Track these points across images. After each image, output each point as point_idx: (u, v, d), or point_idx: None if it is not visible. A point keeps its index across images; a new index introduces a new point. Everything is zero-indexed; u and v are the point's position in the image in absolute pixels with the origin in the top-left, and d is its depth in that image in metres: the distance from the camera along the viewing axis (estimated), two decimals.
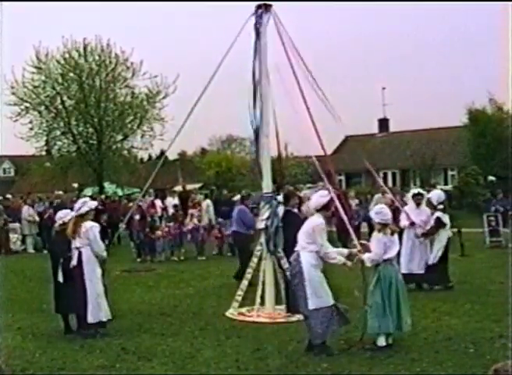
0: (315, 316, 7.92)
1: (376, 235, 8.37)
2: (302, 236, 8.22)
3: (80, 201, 9.79)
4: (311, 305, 7.93)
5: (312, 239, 8.10)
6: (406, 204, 13.70)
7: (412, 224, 12.50)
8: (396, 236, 8.49)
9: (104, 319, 9.27)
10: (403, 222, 12.60)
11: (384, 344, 8.08)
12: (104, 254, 9.49)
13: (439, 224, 12.40)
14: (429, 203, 12.64)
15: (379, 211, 8.46)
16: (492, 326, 9.04)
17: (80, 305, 9.07)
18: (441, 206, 12.57)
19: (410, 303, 10.75)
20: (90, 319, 9.10)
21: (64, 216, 9.72)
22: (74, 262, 9.19)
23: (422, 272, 12.37)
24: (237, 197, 23.56)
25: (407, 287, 12.01)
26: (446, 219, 12.55)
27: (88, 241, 9.23)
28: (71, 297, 9.19)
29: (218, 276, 14.78)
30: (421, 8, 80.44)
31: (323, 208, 8.32)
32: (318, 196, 8.46)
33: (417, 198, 12.93)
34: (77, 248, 9.22)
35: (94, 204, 9.80)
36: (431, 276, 12.29)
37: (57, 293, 9.56)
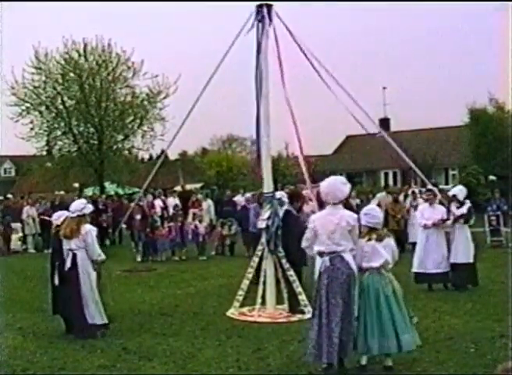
0: None
1: (359, 240, 7.33)
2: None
3: (79, 202, 9.74)
4: None
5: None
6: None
7: (434, 224, 12.29)
8: (386, 241, 7.35)
9: (99, 323, 9.21)
10: (420, 221, 12.55)
11: (364, 362, 7.21)
12: (100, 258, 9.36)
13: (470, 213, 12.26)
14: (456, 200, 12.40)
15: (367, 212, 7.41)
16: (493, 326, 9.04)
17: (76, 307, 9.06)
18: (467, 200, 12.48)
19: (411, 303, 10.81)
20: (90, 320, 9.10)
21: (58, 217, 9.70)
22: (68, 264, 9.15)
23: (440, 271, 12.14)
24: (238, 197, 23.61)
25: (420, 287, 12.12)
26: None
27: (84, 243, 9.17)
28: (67, 299, 9.17)
29: (219, 276, 14.78)
30: (422, 9, 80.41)
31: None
32: (340, 183, 7.50)
33: (428, 195, 12.85)
34: (71, 250, 9.17)
35: (92, 207, 9.82)
36: (460, 275, 12.03)
37: (54, 295, 9.58)
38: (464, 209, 12.24)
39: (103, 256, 9.42)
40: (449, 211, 12.33)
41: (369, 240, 7.30)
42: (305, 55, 10.63)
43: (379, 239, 7.31)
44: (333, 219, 7.24)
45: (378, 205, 19.08)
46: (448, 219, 12.26)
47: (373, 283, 7.17)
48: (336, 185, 7.40)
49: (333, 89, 10.76)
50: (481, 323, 9.30)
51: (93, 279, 9.23)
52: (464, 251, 12.10)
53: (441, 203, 12.74)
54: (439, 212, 12.42)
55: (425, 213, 12.52)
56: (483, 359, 7.50)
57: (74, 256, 9.13)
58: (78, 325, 9.11)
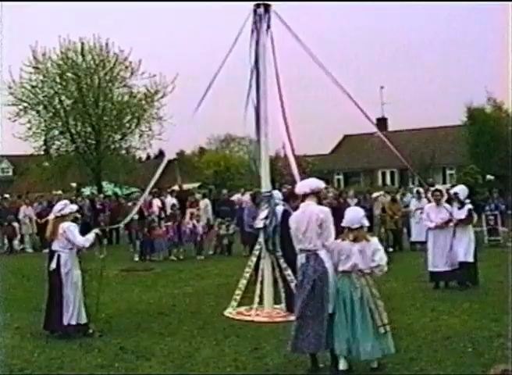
0: None
1: (335, 241, 7.34)
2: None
3: (61, 203, 9.77)
4: None
5: None
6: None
7: (437, 227, 12.32)
8: (361, 244, 7.17)
9: (74, 323, 9.19)
10: (426, 223, 12.69)
11: (342, 367, 7.07)
12: (87, 244, 9.37)
13: (471, 217, 12.30)
14: (456, 198, 12.48)
15: (347, 213, 7.44)
16: (490, 326, 9.05)
17: (55, 307, 9.20)
18: (468, 200, 12.50)
19: (409, 303, 10.84)
20: (66, 320, 9.13)
21: (62, 207, 9.67)
22: (53, 265, 9.24)
23: (448, 269, 12.17)
24: (236, 196, 23.62)
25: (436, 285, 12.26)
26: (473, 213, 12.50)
27: (67, 242, 9.25)
28: (49, 298, 9.38)
29: (217, 276, 14.77)
30: (419, 8, 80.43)
31: None
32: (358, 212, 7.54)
33: (436, 195, 12.81)
34: (56, 252, 9.25)
35: (75, 207, 9.87)
36: (464, 273, 12.09)
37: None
38: (463, 213, 12.24)
39: (88, 243, 9.39)
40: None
41: (343, 240, 7.27)
42: (308, 50, 10.61)
43: (355, 240, 7.19)
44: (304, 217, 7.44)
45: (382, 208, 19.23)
46: (451, 220, 12.27)
47: (342, 286, 7.13)
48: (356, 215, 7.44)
49: (332, 87, 10.76)
50: (478, 322, 9.30)
51: (76, 280, 9.28)
52: (464, 250, 12.07)
53: (447, 202, 12.87)
54: (445, 212, 12.42)
55: (431, 214, 12.56)
56: (481, 359, 7.51)
57: (58, 257, 9.22)
58: (54, 324, 9.25)
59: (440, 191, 13.10)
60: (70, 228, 9.29)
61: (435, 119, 69.02)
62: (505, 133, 33.40)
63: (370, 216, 21.26)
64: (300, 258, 7.44)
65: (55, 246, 9.29)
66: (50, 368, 7.77)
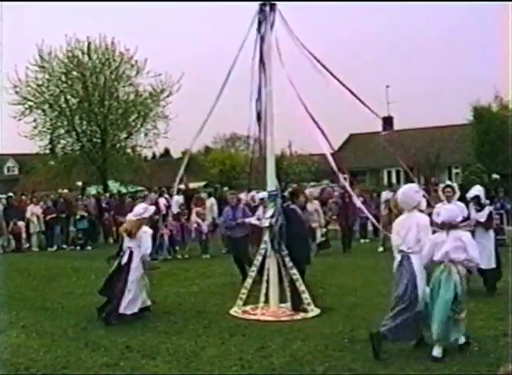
0: None
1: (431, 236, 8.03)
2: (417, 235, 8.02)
3: (140, 206, 10.80)
4: None
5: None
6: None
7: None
8: (455, 236, 7.82)
9: (136, 310, 10.13)
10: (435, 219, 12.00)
11: (437, 354, 7.59)
12: (147, 259, 10.47)
13: (492, 220, 11.80)
14: (477, 202, 11.74)
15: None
16: (496, 325, 9.03)
17: (117, 296, 10.04)
18: (488, 201, 12.09)
19: None
20: (121, 310, 9.97)
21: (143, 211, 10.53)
22: (125, 259, 10.24)
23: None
24: (242, 195, 23.60)
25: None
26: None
27: (139, 243, 10.29)
28: (114, 287, 10.20)
29: (222, 275, 14.77)
30: (424, 6, 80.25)
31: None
32: (413, 191, 8.34)
33: (447, 191, 11.87)
34: (129, 248, 10.30)
35: (152, 209, 10.95)
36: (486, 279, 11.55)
37: (107, 280, 10.42)
38: (483, 215, 11.65)
39: (148, 259, 10.55)
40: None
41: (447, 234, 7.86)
42: (309, 51, 10.60)
43: (448, 231, 7.86)
44: (406, 224, 8.09)
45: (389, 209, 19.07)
46: (468, 218, 11.44)
47: (436, 275, 7.78)
48: (409, 194, 8.27)
49: (337, 86, 10.76)
50: (484, 321, 9.28)
51: (140, 275, 10.26)
52: (487, 256, 11.26)
53: (460, 200, 11.94)
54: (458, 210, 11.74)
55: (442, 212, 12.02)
56: (486, 358, 7.50)
57: (131, 253, 10.25)
58: (110, 310, 10.01)
59: (452, 187, 12.13)
60: (147, 234, 10.40)
61: (440, 118, 68.92)
62: (511, 132, 33.33)
63: (376, 215, 21.31)
64: (396, 257, 8.14)
65: (130, 243, 10.33)
66: (55, 367, 7.77)
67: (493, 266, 11.55)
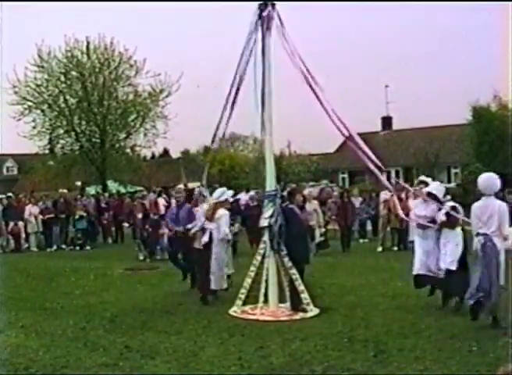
0: None
1: None
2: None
3: (219, 190, 11.94)
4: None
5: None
6: None
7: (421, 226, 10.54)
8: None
9: (214, 288, 11.39)
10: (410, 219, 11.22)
11: None
12: (227, 237, 11.49)
13: (452, 219, 10.21)
14: (433, 198, 10.50)
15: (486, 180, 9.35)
16: (495, 324, 9.01)
17: (204, 271, 11.33)
18: (448, 197, 10.82)
19: (414, 302, 10.81)
20: (213, 286, 11.29)
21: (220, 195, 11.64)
22: (206, 238, 11.34)
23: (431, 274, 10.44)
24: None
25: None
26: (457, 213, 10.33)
27: (217, 225, 11.28)
28: (199, 264, 11.56)
29: None
30: (423, 5, 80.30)
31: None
32: (494, 178, 9.29)
33: (420, 187, 11.26)
34: (208, 229, 11.35)
35: (230, 193, 12.15)
36: (449, 282, 10.15)
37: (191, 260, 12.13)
38: (441, 216, 10.32)
39: (229, 237, 11.71)
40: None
41: None
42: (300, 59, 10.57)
43: None
44: (488, 209, 9.03)
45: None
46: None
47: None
48: (491, 180, 9.29)
49: (334, 88, 10.74)
50: (483, 321, 9.27)
51: (221, 253, 11.43)
52: (449, 256, 10.15)
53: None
54: (432, 208, 10.52)
55: (417, 210, 10.84)
56: (485, 358, 7.49)
57: (211, 234, 11.31)
58: (201, 284, 11.47)
59: (425, 182, 11.36)
60: (226, 216, 11.44)
61: (439, 118, 69.02)
62: (509, 132, 33.34)
63: (375, 215, 21.32)
64: (479, 240, 9.05)
65: (210, 225, 11.35)
66: (55, 367, 7.76)
67: (453, 268, 10.03)
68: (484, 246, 8.95)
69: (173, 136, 32.47)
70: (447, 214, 10.22)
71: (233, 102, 10.85)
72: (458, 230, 10.32)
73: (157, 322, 9.97)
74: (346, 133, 11.08)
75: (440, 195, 10.60)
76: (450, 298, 10.29)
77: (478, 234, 9.10)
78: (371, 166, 11.00)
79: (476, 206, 9.17)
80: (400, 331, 8.79)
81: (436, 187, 10.83)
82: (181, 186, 25.56)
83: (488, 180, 9.28)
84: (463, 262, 10.08)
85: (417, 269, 10.50)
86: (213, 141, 11.71)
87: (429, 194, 10.63)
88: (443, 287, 10.35)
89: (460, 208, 10.39)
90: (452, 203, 10.46)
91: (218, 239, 11.29)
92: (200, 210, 12.25)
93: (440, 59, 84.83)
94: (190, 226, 12.47)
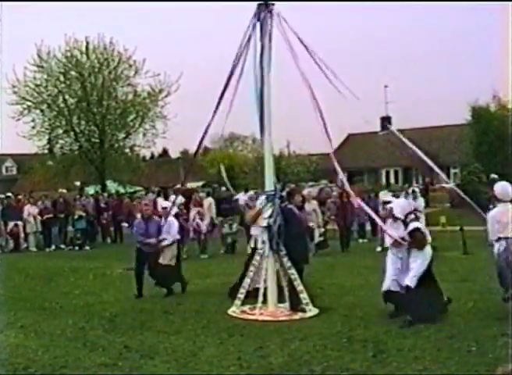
0: None
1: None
2: None
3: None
4: None
5: None
6: None
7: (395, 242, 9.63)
8: None
9: None
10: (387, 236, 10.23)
11: None
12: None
13: (416, 239, 9.51)
14: (392, 216, 9.89)
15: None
16: (494, 325, 9.01)
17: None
18: (412, 216, 9.82)
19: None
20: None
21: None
22: (252, 244, 11.93)
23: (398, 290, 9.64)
24: (239, 195, 23.59)
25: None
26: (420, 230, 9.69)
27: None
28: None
29: (221, 275, 14.75)
30: (423, 6, 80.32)
31: None
32: (509, 187, 9.79)
33: (384, 208, 10.90)
34: (253, 236, 11.90)
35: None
36: (408, 299, 9.33)
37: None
38: (404, 233, 9.60)
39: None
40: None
41: None
42: (307, 49, 10.57)
43: None
44: (506, 213, 9.52)
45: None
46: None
47: None
48: (507, 189, 9.79)
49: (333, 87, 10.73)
50: (482, 321, 9.27)
51: None
52: (412, 272, 9.41)
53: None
54: (402, 228, 9.74)
55: (389, 231, 9.96)
56: (485, 358, 7.48)
57: (255, 240, 11.56)
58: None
59: (388, 202, 10.78)
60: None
61: (439, 118, 68.97)
62: (509, 132, 33.35)
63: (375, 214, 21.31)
64: (500, 245, 9.47)
65: (254, 231, 11.76)
66: (54, 367, 7.76)
67: (411, 284, 9.28)
68: (506, 250, 9.44)
69: (172, 136, 32.51)
70: (411, 234, 9.50)
71: (219, 103, 10.76)
72: (427, 248, 9.58)
73: (156, 322, 9.97)
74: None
75: (403, 213, 9.75)
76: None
77: (499, 239, 9.52)
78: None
79: (496, 211, 9.67)
80: (399, 331, 8.78)
81: (398, 205, 10.06)
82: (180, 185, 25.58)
83: (507, 187, 9.85)
84: (424, 278, 9.38)
85: (387, 285, 9.75)
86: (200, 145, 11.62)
87: (390, 211, 10.01)
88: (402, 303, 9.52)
89: (425, 229, 9.93)
90: (416, 224, 9.71)
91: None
92: (167, 224, 12.42)
93: (440, 59, 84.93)
94: (161, 237, 12.30)
